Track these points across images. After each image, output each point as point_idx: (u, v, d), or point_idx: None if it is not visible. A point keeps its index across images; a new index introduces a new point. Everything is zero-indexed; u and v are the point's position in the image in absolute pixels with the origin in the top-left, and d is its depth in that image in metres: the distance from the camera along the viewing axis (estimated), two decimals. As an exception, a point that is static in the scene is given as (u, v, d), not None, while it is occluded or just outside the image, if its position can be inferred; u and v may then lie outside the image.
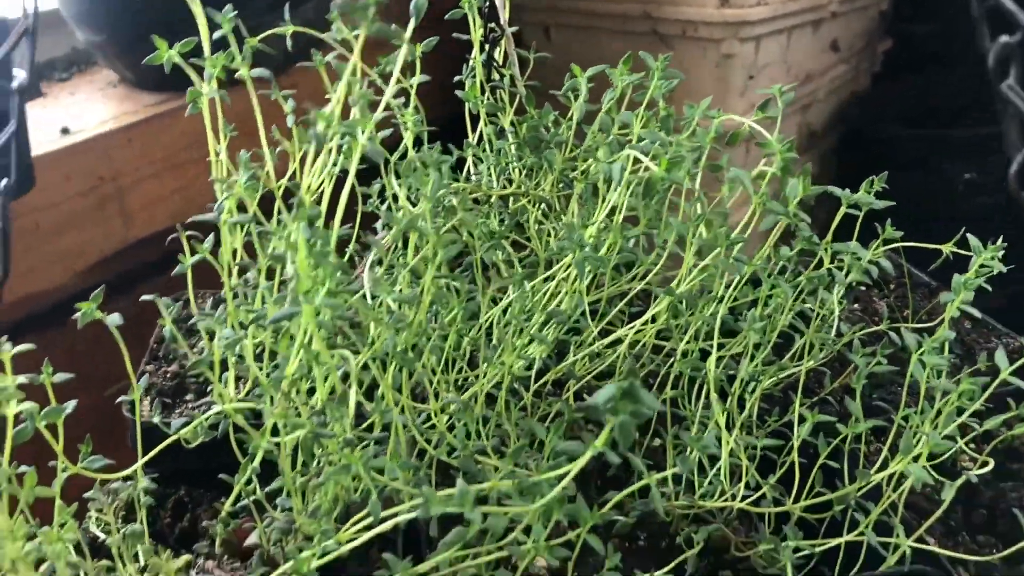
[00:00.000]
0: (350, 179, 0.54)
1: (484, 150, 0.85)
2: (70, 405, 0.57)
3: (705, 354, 0.73)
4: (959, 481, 0.65)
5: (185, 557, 0.67)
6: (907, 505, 0.69)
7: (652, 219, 0.71)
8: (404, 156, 0.77)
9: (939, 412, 0.66)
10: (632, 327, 0.75)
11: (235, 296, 0.68)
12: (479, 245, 0.74)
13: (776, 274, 0.76)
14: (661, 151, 0.65)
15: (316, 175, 0.64)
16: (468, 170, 0.86)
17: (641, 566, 0.63)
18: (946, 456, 0.65)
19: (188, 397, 0.84)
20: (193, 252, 0.69)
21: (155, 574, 0.64)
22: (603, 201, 0.71)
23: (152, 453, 0.64)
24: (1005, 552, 0.67)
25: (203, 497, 0.77)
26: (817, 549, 0.67)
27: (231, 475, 0.66)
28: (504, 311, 0.72)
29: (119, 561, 0.63)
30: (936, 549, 0.67)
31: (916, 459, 0.63)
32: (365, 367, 0.59)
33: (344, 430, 0.55)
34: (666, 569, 0.62)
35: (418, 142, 0.77)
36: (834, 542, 0.67)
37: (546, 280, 0.74)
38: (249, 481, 0.65)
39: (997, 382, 0.64)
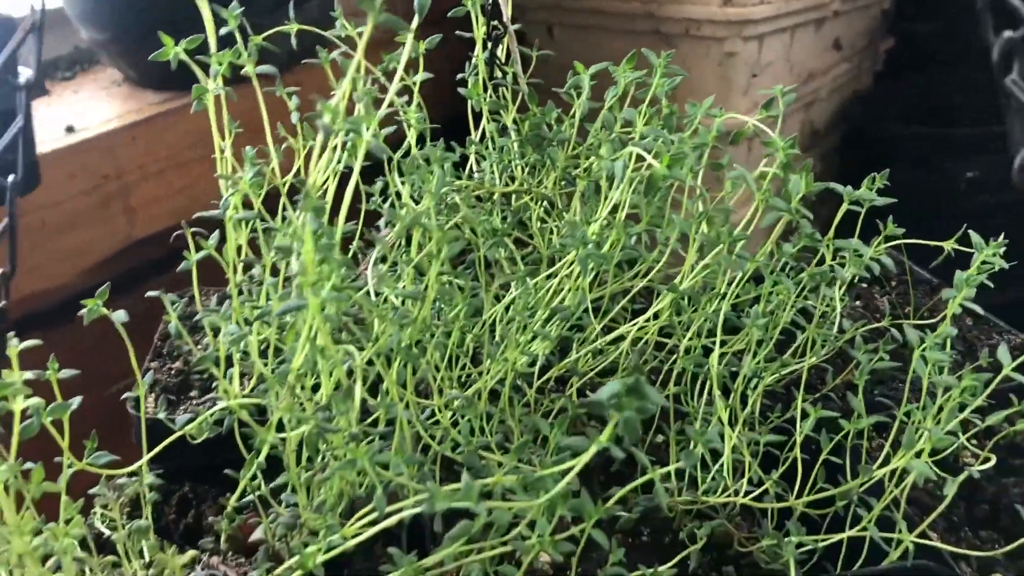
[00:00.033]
0: (355, 176, 0.54)
1: (487, 148, 0.85)
2: (75, 401, 0.57)
3: (708, 350, 0.73)
4: (961, 477, 0.65)
5: (190, 553, 0.67)
6: (909, 501, 0.69)
7: (654, 216, 0.71)
8: (407, 153, 0.77)
9: (941, 408, 0.67)
10: (635, 324, 0.75)
11: (240, 292, 0.68)
12: (482, 242, 0.74)
13: (778, 271, 0.76)
14: (663, 149, 0.65)
15: (321, 172, 0.64)
16: (471, 168, 0.86)
17: (645, 561, 0.63)
18: (948, 452, 0.65)
19: (193, 393, 0.84)
20: (198, 249, 0.69)
21: (160, 570, 0.64)
22: (605, 198, 0.71)
23: (157, 449, 0.64)
24: (1007, 547, 0.67)
25: (208, 493, 0.77)
26: (820, 545, 0.67)
27: (236, 471, 0.66)
28: (507, 308, 0.73)
29: (124, 557, 0.63)
30: (939, 544, 0.67)
31: (918, 455, 0.64)
32: (370, 363, 0.59)
33: (349, 425, 0.55)
34: (669, 564, 0.62)
35: (421, 139, 0.77)
36: (837, 537, 0.67)
37: (549, 277, 0.74)
38: (254, 477, 0.65)
39: (999, 378, 0.64)
